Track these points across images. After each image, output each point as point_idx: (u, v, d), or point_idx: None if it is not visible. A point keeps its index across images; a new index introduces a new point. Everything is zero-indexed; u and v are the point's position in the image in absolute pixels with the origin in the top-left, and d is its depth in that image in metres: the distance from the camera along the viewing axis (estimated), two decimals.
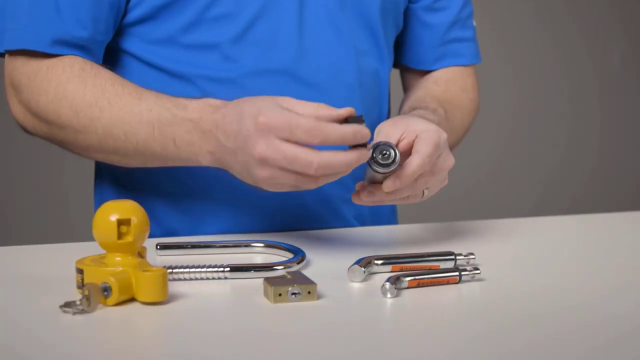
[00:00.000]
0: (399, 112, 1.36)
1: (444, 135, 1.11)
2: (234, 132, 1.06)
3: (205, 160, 1.12)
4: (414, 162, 1.07)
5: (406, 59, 1.43)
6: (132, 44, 1.26)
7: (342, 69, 1.28)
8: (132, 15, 1.24)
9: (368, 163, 1.05)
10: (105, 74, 1.18)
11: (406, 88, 1.46)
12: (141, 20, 1.24)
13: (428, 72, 1.43)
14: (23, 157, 3.02)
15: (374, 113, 1.33)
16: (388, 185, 1.07)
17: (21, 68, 1.20)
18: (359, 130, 1.01)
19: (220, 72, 1.24)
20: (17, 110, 1.22)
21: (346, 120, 1.02)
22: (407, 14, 1.41)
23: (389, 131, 1.10)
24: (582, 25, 3.54)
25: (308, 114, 1.02)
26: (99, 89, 1.16)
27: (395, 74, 1.47)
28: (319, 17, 1.26)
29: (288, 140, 1.01)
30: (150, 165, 1.19)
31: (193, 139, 1.11)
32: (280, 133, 1.01)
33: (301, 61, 1.25)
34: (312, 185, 1.03)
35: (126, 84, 1.17)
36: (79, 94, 1.17)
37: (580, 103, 3.59)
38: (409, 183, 1.07)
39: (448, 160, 1.12)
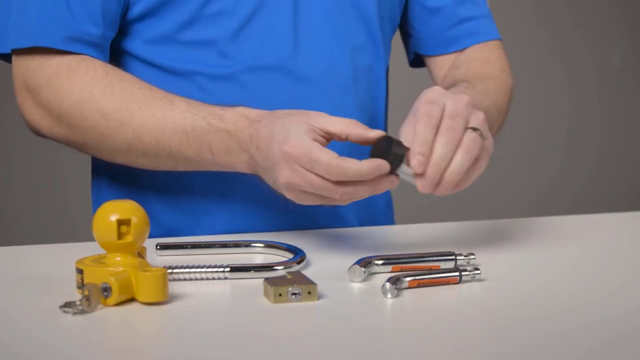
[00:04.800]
0: None
1: (436, 88, 1.06)
2: (265, 153, 1.08)
3: (242, 168, 1.13)
4: (417, 141, 1.01)
5: (423, 48, 1.42)
6: (129, 42, 1.26)
7: (336, 66, 1.28)
8: (132, 12, 1.24)
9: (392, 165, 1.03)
10: (129, 77, 1.18)
11: (435, 80, 1.43)
12: (140, 18, 1.24)
13: (447, 55, 1.41)
14: (23, 157, 3.02)
15: (369, 109, 1.33)
16: (420, 182, 1.02)
17: (38, 70, 1.19)
18: (378, 166, 1.01)
19: (217, 68, 1.24)
20: (33, 113, 1.21)
21: (377, 142, 1.03)
22: (411, 3, 1.40)
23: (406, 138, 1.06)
24: (583, 25, 3.54)
25: (340, 132, 1.04)
26: (127, 93, 1.16)
27: (394, 71, 1.46)
28: (314, 13, 1.27)
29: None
30: (181, 168, 1.19)
31: (230, 148, 1.12)
32: (302, 164, 1.03)
33: (296, 57, 1.26)
34: (337, 203, 1.05)
35: (154, 89, 1.17)
36: (107, 97, 1.16)
37: (580, 103, 3.59)
38: (427, 152, 1.01)
39: (458, 102, 1.05)
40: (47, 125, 1.20)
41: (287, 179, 1.04)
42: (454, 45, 1.41)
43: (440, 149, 1.02)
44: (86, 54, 1.19)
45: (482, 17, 1.42)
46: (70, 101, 1.17)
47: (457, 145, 1.03)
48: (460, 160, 1.02)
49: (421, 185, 1.02)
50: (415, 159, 1.01)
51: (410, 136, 1.03)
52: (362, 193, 1.03)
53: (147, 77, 1.24)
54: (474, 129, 1.04)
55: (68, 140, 1.21)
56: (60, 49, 1.18)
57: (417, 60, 1.46)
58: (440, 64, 1.42)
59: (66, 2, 1.18)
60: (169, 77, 1.25)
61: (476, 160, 1.04)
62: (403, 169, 1.02)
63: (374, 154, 1.03)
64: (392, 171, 1.02)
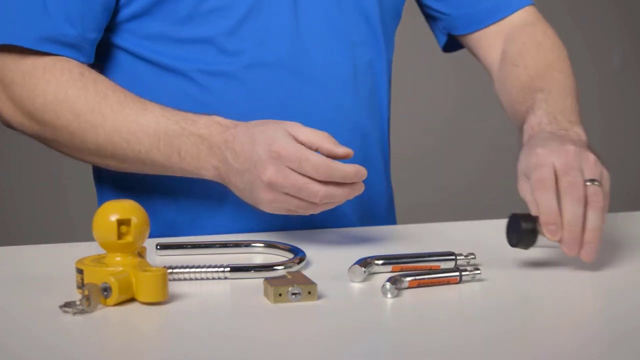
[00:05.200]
0: (503, 106, 1.36)
1: (538, 150, 1.08)
2: (244, 154, 1.10)
3: (208, 174, 1.15)
4: (542, 211, 1.03)
5: (456, 28, 1.41)
6: (124, 39, 1.26)
7: (336, 63, 1.28)
8: (125, 12, 1.24)
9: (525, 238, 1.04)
10: (104, 80, 1.19)
11: (486, 55, 1.42)
12: (134, 17, 1.24)
13: (485, 29, 1.40)
14: (23, 157, 3.02)
15: (369, 105, 1.33)
16: (564, 248, 1.03)
17: (13, 65, 1.20)
18: (359, 170, 1.07)
19: (216, 65, 1.25)
20: (5, 106, 1.22)
21: (508, 221, 1.06)
22: None
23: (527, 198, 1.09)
24: (582, 25, 3.54)
25: (311, 143, 1.08)
26: (101, 95, 1.18)
27: (398, 66, 1.45)
28: (313, 9, 1.27)
29: (295, 171, 1.06)
30: (147, 172, 1.20)
31: (199, 152, 1.14)
32: (290, 163, 1.06)
33: (296, 54, 1.26)
34: (310, 211, 1.09)
35: (127, 93, 1.18)
36: (81, 98, 1.17)
37: (580, 103, 3.59)
38: (557, 219, 1.03)
39: (565, 155, 1.07)
40: (18, 120, 1.22)
41: (270, 177, 1.07)
42: (490, 17, 1.39)
43: (569, 210, 1.03)
44: (62, 55, 1.20)
45: None
46: (45, 100, 1.18)
47: (583, 199, 1.03)
48: (593, 218, 1.03)
49: (567, 249, 1.02)
50: (547, 230, 1.02)
51: (531, 200, 1.06)
52: (340, 197, 1.08)
53: (143, 74, 1.25)
54: (592, 181, 1.05)
55: (38, 135, 1.22)
56: (34, 48, 1.19)
57: (449, 44, 1.45)
58: (480, 41, 1.41)
59: (43, 3, 1.19)
60: (167, 74, 1.25)
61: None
62: (542, 240, 1.04)
63: (509, 233, 1.05)
64: (529, 247, 1.04)
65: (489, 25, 1.40)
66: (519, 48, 1.37)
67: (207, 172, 1.15)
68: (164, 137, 1.15)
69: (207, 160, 1.14)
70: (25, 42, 1.18)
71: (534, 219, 1.03)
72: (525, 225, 1.03)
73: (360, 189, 1.09)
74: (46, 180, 3.08)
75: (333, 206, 1.10)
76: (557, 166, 1.06)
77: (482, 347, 0.83)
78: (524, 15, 1.41)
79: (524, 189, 1.09)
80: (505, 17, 1.40)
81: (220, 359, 0.80)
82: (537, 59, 1.36)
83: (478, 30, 1.40)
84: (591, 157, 1.08)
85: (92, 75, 1.19)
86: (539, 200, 1.04)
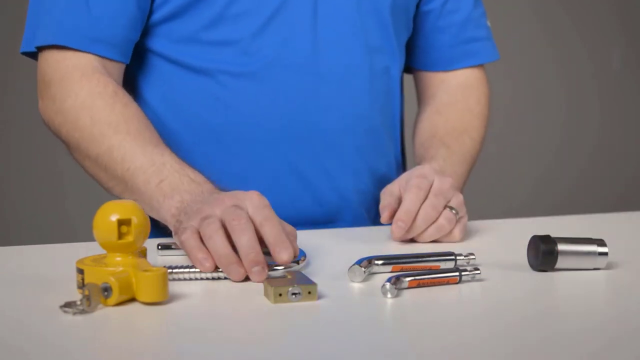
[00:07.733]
0: (413, 143, 1.45)
1: (427, 166, 1.23)
2: (231, 192, 1.05)
3: (171, 207, 1.09)
4: (402, 209, 1.18)
5: (421, 63, 1.49)
6: (155, 42, 1.30)
7: (353, 66, 1.33)
8: (157, 15, 1.29)
9: None
10: (134, 107, 1.22)
11: (422, 93, 1.50)
12: (165, 20, 1.29)
13: (443, 72, 1.47)
14: (23, 157, 3.02)
15: (385, 109, 1.39)
16: (394, 232, 1.18)
17: (55, 65, 1.24)
18: (286, 246, 0.99)
19: (239, 66, 1.29)
20: (42, 104, 1.26)
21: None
22: (417, 19, 1.45)
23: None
24: (582, 25, 3.55)
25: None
26: (124, 118, 1.19)
27: (409, 76, 1.48)
28: (333, 14, 1.32)
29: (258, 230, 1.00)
30: (125, 197, 1.19)
31: (181, 184, 1.11)
32: (256, 204, 1.00)
33: (315, 56, 1.30)
34: (206, 257, 0.99)
35: (151, 128, 1.21)
36: (105, 111, 1.20)
37: (579, 103, 3.59)
38: (409, 222, 1.17)
39: (444, 182, 1.20)
40: (48, 117, 1.25)
41: (242, 199, 1.01)
42: (454, 64, 1.47)
43: (418, 222, 1.18)
44: (108, 57, 1.24)
45: (483, 39, 1.49)
46: (74, 102, 1.21)
47: (434, 221, 1.18)
48: (430, 232, 1.19)
49: (395, 230, 1.17)
50: (396, 225, 1.16)
51: (389, 196, 1.21)
52: (244, 249, 0.98)
53: (171, 75, 1.30)
54: (452, 208, 1.19)
55: (61, 134, 1.25)
56: (83, 50, 1.22)
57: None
58: (432, 80, 1.49)
59: (86, 4, 1.22)
60: (193, 75, 1.30)
61: (450, 232, 1.19)
62: (563, 263, 1.05)
63: (529, 255, 1.07)
64: (549, 268, 1.05)
65: (435, 71, 1.49)
66: (450, 101, 1.45)
67: (172, 205, 1.09)
68: (158, 166, 1.14)
69: (182, 193, 1.09)
70: (71, 42, 1.22)
71: (553, 241, 1.04)
72: (544, 247, 1.04)
73: (258, 277, 0.98)
74: (46, 181, 3.08)
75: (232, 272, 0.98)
76: (434, 185, 1.20)
77: (482, 347, 0.83)
78: (469, 74, 1.49)
79: (390, 190, 1.23)
80: (467, 67, 1.48)
81: (221, 359, 0.80)
82: (459, 118, 1.44)
83: (437, 71, 1.49)
84: (461, 197, 1.22)
85: (125, 99, 1.22)
86: (405, 200, 1.17)
